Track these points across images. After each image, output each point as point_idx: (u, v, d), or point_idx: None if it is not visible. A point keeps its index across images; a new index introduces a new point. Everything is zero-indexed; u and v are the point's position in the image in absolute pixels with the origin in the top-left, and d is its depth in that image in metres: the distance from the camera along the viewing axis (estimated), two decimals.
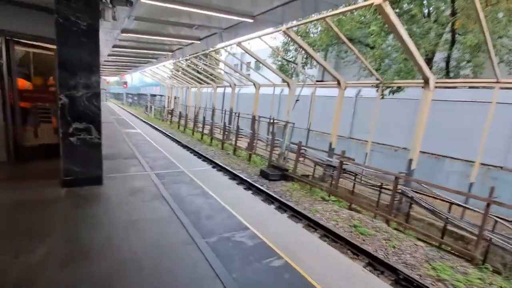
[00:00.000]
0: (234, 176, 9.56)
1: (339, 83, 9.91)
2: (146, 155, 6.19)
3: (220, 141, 15.59)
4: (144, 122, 24.18)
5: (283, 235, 3.14)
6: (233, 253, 2.59)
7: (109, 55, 11.03)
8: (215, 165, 10.93)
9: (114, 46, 8.54)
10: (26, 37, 4.42)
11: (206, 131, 17.65)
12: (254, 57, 10.80)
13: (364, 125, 12.63)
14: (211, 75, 23.61)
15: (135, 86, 57.37)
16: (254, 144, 11.86)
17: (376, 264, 4.84)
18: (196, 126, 18.96)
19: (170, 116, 24.14)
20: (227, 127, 14.57)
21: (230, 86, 17.01)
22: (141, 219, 3.09)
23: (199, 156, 12.43)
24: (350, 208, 8.01)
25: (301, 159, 9.86)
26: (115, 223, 2.92)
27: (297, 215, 6.88)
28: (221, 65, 26.75)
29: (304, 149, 9.75)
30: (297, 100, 9.89)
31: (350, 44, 7.94)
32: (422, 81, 7.22)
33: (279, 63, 25.38)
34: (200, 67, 21.62)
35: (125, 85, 50.92)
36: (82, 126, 3.68)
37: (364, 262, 4.96)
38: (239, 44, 10.12)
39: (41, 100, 4.55)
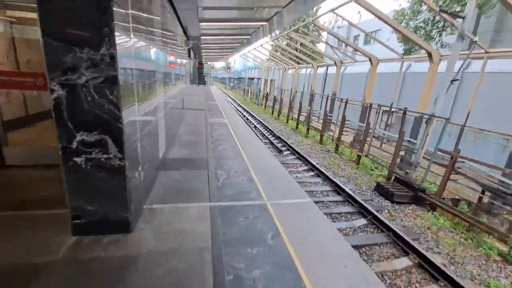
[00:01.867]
0: (336, 188, 6.95)
1: None
2: (221, 164, 4.51)
3: (318, 132, 12.93)
4: (239, 106, 24.14)
5: None
6: None
7: (202, 34, 10.12)
8: (312, 168, 8.53)
9: (201, 21, 7.22)
10: None
11: (302, 118, 15.32)
12: (379, 17, 7.37)
13: None
14: (312, 53, 20.58)
15: (237, 71, 60.62)
16: (368, 142, 8.65)
17: None
18: (291, 112, 16.86)
19: (265, 100, 23.02)
20: (328, 116, 11.70)
21: (335, 64, 13.72)
22: None
23: (292, 152, 10.30)
24: None
25: (434, 168, 6.11)
26: None
27: None
28: (325, 38, 23.16)
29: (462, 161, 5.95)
30: (453, 81, 6.01)
31: None
32: None
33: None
34: (299, 44, 19.05)
35: (228, 70, 54.32)
36: (92, 138, 2.08)
37: None
38: None
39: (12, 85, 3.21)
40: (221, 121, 8.83)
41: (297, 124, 14.96)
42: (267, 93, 22.80)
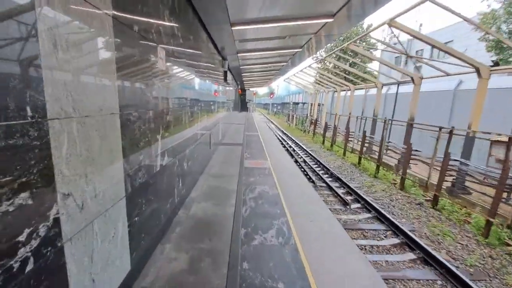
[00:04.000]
0: None
1: None
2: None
3: (391, 170, 9.47)
4: (283, 133, 21.54)
5: None
6: None
7: (239, 52, 8.13)
8: (407, 242, 5.21)
9: (233, 24, 5.10)
10: None
11: (357, 148, 11.93)
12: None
13: None
14: (364, 73, 17.34)
15: (280, 96, 59.50)
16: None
17: None
18: (349, 142, 13.58)
19: (313, 127, 20.11)
20: (413, 151, 8.27)
21: (412, 80, 10.39)
22: None
23: (364, 205, 7.07)
24: None
25: None
26: None
27: None
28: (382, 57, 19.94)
29: None
30: None
31: None
32: None
33: (493, 38, 15.42)
34: (349, 63, 16.29)
35: (271, 96, 53.59)
36: None
37: None
38: None
39: None
40: (262, 164, 6.25)
41: (360, 159, 11.60)
42: (316, 119, 19.92)
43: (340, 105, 20.32)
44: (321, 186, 8.71)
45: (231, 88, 15.54)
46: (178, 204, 3.32)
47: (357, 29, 34.43)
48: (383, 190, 8.42)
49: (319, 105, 25.74)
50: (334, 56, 23.21)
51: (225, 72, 9.55)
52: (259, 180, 4.92)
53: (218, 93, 8.71)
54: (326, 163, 11.75)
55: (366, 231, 5.78)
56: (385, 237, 5.56)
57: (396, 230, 5.66)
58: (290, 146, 16.00)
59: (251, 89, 34.60)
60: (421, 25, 28.50)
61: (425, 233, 5.67)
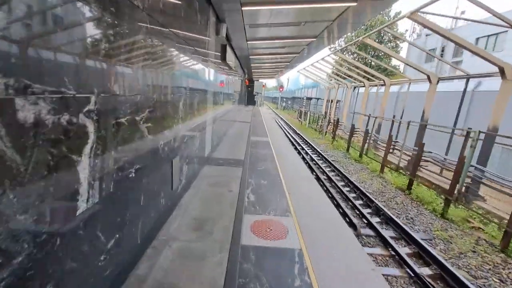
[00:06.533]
0: None
1: None
2: None
3: (469, 209, 6.14)
4: (296, 134, 18.02)
5: None
6: None
7: (251, 24, 4.84)
8: None
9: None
10: None
11: (400, 163, 8.49)
12: None
13: None
14: (384, 71, 13.52)
15: (290, 90, 55.77)
16: None
17: None
18: (388, 153, 10.14)
19: (333, 128, 16.61)
20: None
21: (502, 73, 6.87)
22: None
23: None
24: None
25: None
26: None
27: None
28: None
29: None
30: None
31: None
32: None
33: None
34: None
35: (281, 89, 49.94)
36: None
37: None
38: None
39: None
40: (281, 237, 2.85)
41: (411, 182, 8.19)
42: (337, 120, 16.40)
43: (370, 103, 16.72)
44: (367, 236, 5.42)
45: (235, 78, 12.20)
46: None
47: (382, 17, 30.44)
48: (473, 251, 5.08)
49: (337, 101, 22.19)
50: (356, 46, 19.56)
51: (224, 47, 6.19)
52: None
53: (208, 80, 5.40)
54: (361, 184, 8.43)
55: None
56: None
57: None
58: (307, 153, 12.66)
59: (260, 80, 31.06)
60: (462, 12, 24.45)
61: None
